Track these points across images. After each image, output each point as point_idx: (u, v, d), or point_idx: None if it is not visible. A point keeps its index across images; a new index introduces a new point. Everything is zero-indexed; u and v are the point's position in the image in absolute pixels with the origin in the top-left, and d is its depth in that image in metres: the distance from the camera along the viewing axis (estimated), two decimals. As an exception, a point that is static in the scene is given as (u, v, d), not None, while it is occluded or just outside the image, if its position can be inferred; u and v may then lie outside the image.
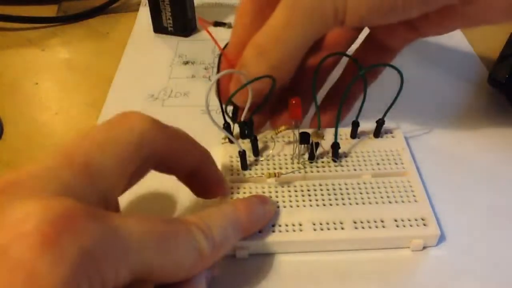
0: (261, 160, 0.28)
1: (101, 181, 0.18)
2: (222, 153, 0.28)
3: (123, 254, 0.16)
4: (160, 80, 0.38)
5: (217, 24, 0.43)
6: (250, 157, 0.28)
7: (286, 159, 0.28)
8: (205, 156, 0.24)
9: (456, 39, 0.42)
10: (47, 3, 0.48)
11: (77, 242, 0.14)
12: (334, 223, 0.24)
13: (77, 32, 0.45)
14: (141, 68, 0.40)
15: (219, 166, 0.28)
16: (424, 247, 0.25)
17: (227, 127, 0.28)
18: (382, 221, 0.25)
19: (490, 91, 0.35)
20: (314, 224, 0.24)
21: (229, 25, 0.43)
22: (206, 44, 0.42)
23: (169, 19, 0.42)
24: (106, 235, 0.15)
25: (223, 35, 0.43)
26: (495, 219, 0.27)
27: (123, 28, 0.45)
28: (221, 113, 0.28)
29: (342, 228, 0.24)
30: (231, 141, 0.28)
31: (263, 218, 0.24)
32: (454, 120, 0.34)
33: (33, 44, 0.43)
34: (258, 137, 0.28)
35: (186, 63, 0.40)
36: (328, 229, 0.24)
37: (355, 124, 0.29)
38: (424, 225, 0.24)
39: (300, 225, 0.24)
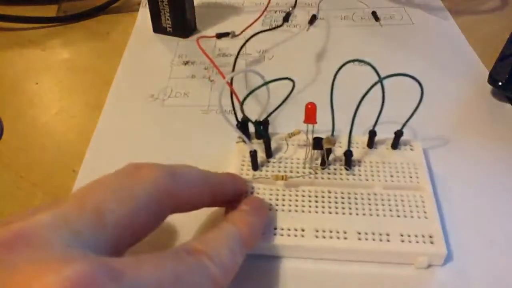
0: (273, 162, 0.28)
1: (113, 228, 0.18)
2: (236, 152, 0.29)
3: None
4: (160, 80, 0.38)
5: (220, 36, 0.42)
6: (262, 158, 0.28)
7: (298, 163, 0.28)
8: (221, 187, 0.24)
9: (456, 39, 0.42)
10: (47, 3, 0.48)
11: None
12: (338, 232, 0.24)
13: (77, 32, 0.45)
14: (141, 68, 0.40)
15: (232, 165, 0.28)
16: (430, 266, 0.24)
17: (240, 127, 0.28)
18: (387, 235, 0.24)
19: (490, 91, 0.35)
20: (317, 231, 0.24)
21: (232, 34, 0.42)
22: (206, 44, 0.42)
23: (168, 19, 0.42)
24: None
25: (226, 44, 0.42)
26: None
27: (123, 28, 0.45)
28: (232, 113, 0.28)
29: (345, 238, 0.24)
30: (244, 141, 0.28)
31: (261, 227, 0.24)
32: (453, 120, 0.33)
33: (33, 44, 0.43)
34: (272, 138, 0.28)
35: (186, 63, 0.40)
36: (331, 237, 0.24)
37: (372, 133, 0.28)
38: (431, 242, 0.23)
39: (303, 230, 0.24)
